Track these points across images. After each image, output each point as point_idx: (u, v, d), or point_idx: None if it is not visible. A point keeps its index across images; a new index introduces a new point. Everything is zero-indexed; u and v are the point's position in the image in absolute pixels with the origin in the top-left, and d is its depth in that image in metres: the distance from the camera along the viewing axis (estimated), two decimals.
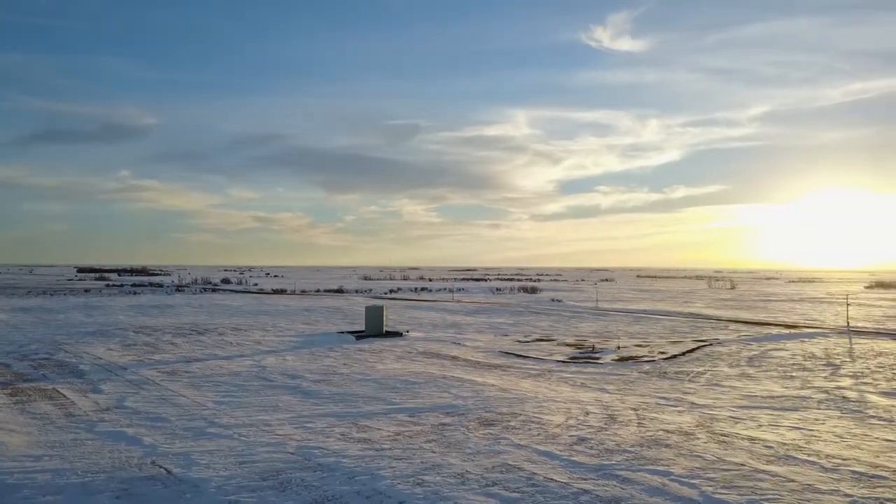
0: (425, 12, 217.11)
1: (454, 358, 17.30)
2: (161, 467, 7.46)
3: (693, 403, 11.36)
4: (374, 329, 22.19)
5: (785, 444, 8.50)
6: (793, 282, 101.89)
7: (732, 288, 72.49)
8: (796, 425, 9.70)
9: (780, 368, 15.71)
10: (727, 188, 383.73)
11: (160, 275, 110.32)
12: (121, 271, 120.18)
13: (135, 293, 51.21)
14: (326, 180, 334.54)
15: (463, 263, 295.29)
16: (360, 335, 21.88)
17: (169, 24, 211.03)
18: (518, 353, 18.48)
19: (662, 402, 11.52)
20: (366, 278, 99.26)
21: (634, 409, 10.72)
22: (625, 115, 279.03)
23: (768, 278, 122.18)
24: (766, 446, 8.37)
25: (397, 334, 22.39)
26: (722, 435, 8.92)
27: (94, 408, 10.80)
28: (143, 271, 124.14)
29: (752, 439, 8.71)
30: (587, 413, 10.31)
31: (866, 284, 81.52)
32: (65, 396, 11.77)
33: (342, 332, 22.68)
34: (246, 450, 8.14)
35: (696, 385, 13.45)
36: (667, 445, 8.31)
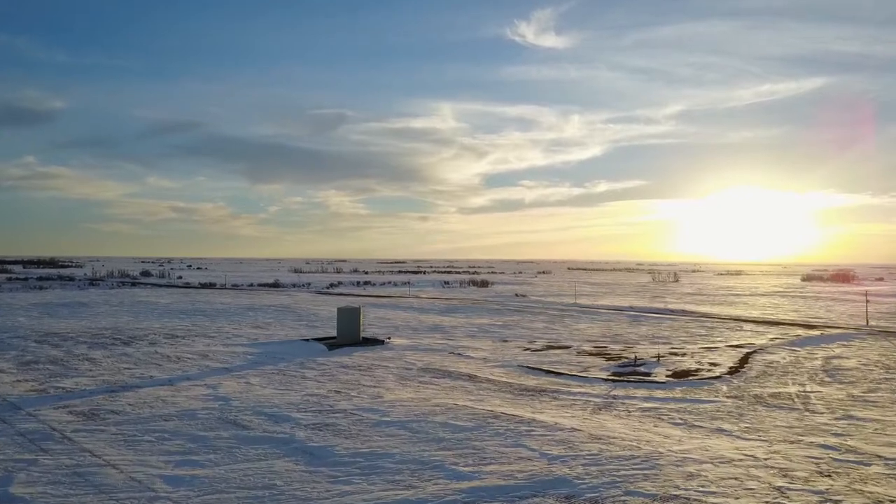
0: (350, 2, 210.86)
1: (472, 377, 13.36)
2: None
3: (883, 458, 7.85)
4: (350, 336, 17.93)
5: None
6: (721, 274, 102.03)
7: (676, 281, 71.14)
8: None
9: (881, 386, 12.56)
10: (646, 183, 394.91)
11: (71, 267, 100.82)
12: (26, 263, 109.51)
13: (41, 288, 44.65)
14: (249, 170, 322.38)
15: (390, 255, 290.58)
16: (332, 344, 17.60)
17: (78, 6, 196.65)
18: (543, 367, 14.71)
19: (835, 454, 7.96)
20: (296, 271, 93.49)
21: (825, 475, 7.10)
22: (548, 111, 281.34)
23: (694, 271, 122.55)
24: None
25: (377, 342, 18.21)
26: None
27: None
28: (51, 263, 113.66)
29: None
30: (778, 490, 6.59)
31: (802, 276, 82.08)
32: None
33: (307, 340, 18.33)
34: None
35: (826, 418, 10.02)
36: None
